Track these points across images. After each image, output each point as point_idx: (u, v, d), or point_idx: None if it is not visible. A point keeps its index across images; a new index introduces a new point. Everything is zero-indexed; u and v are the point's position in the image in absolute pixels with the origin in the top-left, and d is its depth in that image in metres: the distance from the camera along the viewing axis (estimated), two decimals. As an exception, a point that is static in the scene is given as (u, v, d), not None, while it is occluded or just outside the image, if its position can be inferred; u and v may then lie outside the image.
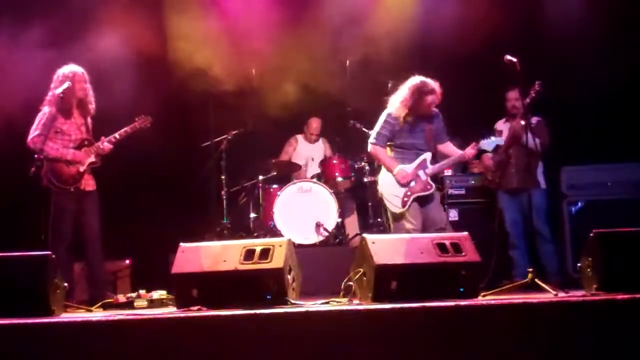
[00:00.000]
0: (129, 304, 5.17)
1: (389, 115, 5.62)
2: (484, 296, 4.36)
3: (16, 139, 5.78)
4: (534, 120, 6.19)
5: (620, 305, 3.36)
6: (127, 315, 3.91)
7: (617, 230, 4.10)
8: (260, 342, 3.31)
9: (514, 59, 5.03)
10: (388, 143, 5.67)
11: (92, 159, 5.77)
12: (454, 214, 6.93)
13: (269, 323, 3.36)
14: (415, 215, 5.49)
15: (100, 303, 5.15)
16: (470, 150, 5.58)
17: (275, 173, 7.47)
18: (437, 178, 5.61)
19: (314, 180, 7.18)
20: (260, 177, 7.36)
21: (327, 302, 4.23)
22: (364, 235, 4.30)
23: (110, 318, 3.53)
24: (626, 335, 3.27)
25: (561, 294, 4.32)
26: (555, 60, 6.90)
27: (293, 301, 4.07)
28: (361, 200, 7.56)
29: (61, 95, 5.44)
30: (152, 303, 5.19)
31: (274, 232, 6.87)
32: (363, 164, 7.32)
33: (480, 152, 6.00)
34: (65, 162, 5.63)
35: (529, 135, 5.69)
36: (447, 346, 3.28)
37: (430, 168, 5.55)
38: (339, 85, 7.44)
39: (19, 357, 3.37)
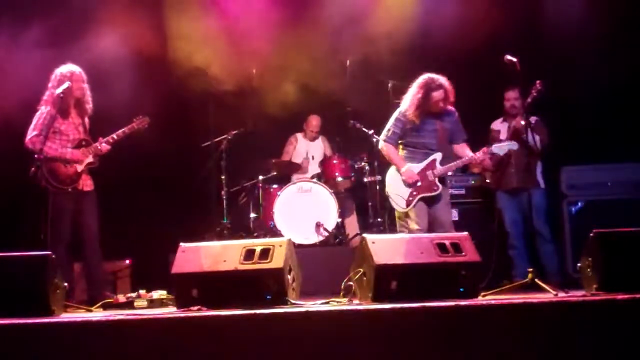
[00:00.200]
0: (129, 304, 5.17)
1: (399, 112, 5.62)
2: (484, 296, 4.36)
3: (15, 138, 5.78)
4: (533, 119, 6.19)
5: (620, 305, 3.36)
6: (127, 315, 3.90)
7: (617, 230, 4.10)
8: (260, 342, 3.31)
9: (514, 59, 5.03)
10: (399, 141, 5.67)
11: (89, 159, 5.77)
12: (454, 214, 6.91)
13: (269, 323, 3.35)
14: (420, 215, 5.48)
15: (100, 303, 5.15)
16: (479, 155, 5.56)
17: (275, 173, 7.47)
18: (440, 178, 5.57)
19: (314, 180, 7.18)
20: (260, 177, 7.36)
21: (327, 302, 4.23)
22: (364, 235, 4.30)
23: (110, 318, 3.53)
24: (626, 335, 3.27)
25: (561, 294, 4.32)
26: (555, 60, 6.90)
27: (293, 301, 4.06)
28: (361, 200, 7.56)
29: (61, 95, 5.44)
30: (152, 303, 5.19)
31: (274, 232, 6.87)
32: (363, 164, 7.32)
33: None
34: (63, 162, 5.63)
35: (530, 134, 5.71)
36: (447, 346, 3.28)
37: (438, 169, 5.53)
38: (339, 85, 7.44)
39: (19, 357, 3.37)
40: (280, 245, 4.13)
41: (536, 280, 4.61)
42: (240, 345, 3.32)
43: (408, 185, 5.52)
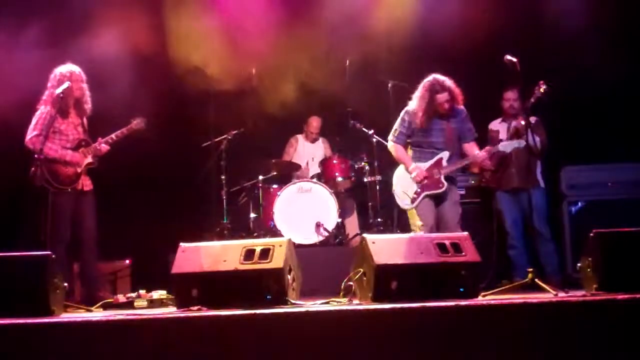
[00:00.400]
0: (129, 304, 5.17)
1: (406, 112, 5.66)
2: (484, 296, 4.36)
3: (15, 139, 5.78)
4: (532, 120, 6.18)
5: (620, 305, 3.36)
6: (127, 315, 3.90)
7: (617, 230, 4.10)
8: (260, 342, 3.31)
9: (514, 59, 5.03)
10: (408, 141, 5.67)
11: (89, 159, 5.78)
12: (454, 214, 6.92)
13: (269, 323, 3.35)
14: (426, 213, 5.51)
15: (100, 303, 5.15)
16: (481, 153, 5.59)
17: (275, 173, 7.47)
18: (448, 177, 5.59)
19: (314, 180, 7.18)
20: (260, 177, 7.35)
21: (327, 302, 4.23)
22: (364, 235, 4.31)
23: (110, 318, 3.52)
24: (626, 335, 3.27)
25: (561, 294, 4.31)
26: (555, 60, 6.90)
27: (293, 301, 4.07)
28: (361, 200, 7.56)
29: (61, 95, 5.44)
30: (152, 303, 5.19)
31: (274, 232, 6.87)
32: (363, 164, 7.32)
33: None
34: (63, 163, 5.63)
35: (530, 134, 5.71)
36: (447, 346, 3.28)
37: (444, 167, 5.55)
38: (339, 85, 7.44)
39: (19, 357, 3.36)
40: (280, 245, 4.13)
41: (536, 280, 4.61)
42: (240, 345, 3.32)
43: (416, 183, 5.53)
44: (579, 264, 4.25)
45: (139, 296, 5.24)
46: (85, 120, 5.86)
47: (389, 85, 7.19)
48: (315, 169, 7.60)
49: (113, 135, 5.88)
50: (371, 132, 7.19)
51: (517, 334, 3.29)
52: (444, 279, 4.11)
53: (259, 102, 7.45)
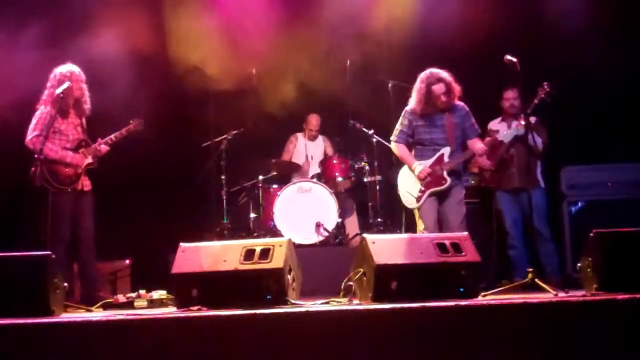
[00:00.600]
0: (129, 304, 5.17)
1: (405, 111, 5.69)
2: (484, 296, 4.36)
3: (15, 139, 5.78)
4: (532, 120, 6.19)
5: (620, 305, 3.36)
6: (127, 315, 3.90)
7: (617, 230, 4.10)
8: (260, 342, 3.31)
9: (514, 59, 5.04)
10: (410, 141, 5.68)
11: (89, 160, 5.78)
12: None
13: (269, 323, 3.35)
14: (427, 213, 5.53)
15: (100, 303, 5.15)
16: (481, 146, 5.60)
17: (275, 173, 7.47)
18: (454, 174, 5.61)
19: (314, 180, 7.18)
20: (260, 177, 7.35)
21: (327, 302, 4.23)
22: (364, 235, 4.30)
23: (110, 318, 3.52)
24: (626, 335, 3.27)
25: (561, 294, 4.31)
26: (555, 60, 6.90)
27: (293, 301, 4.07)
28: (361, 200, 7.56)
29: (61, 95, 5.44)
30: (152, 303, 5.19)
31: (274, 232, 6.87)
32: (363, 164, 7.32)
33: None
34: (63, 164, 5.63)
35: (532, 134, 5.73)
36: (447, 346, 3.28)
37: (446, 163, 5.56)
38: (339, 85, 7.44)
39: (19, 357, 3.36)
40: (280, 245, 4.13)
41: (536, 280, 4.61)
42: (240, 345, 3.32)
43: (419, 181, 5.53)
44: (579, 264, 4.25)
45: (139, 296, 5.24)
46: (84, 120, 5.86)
47: (389, 85, 7.19)
48: (315, 168, 7.60)
49: (112, 136, 5.89)
50: (371, 132, 7.19)
51: (517, 334, 3.30)
52: (444, 279, 4.11)
53: (259, 102, 7.44)
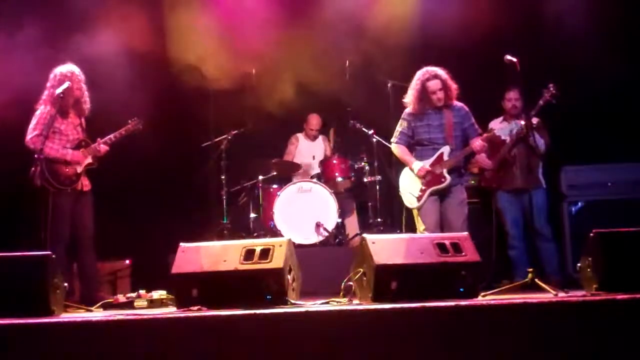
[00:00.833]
0: (129, 304, 5.16)
1: (405, 112, 5.69)
2: (484, 296, 4.36)
3: (14, 138, 5.77)
4: (535, 121, 6.18)
5: (620, 305, 3.36)
6: (127, 315, 3.90)
7: (617, 230, 4.10)
8: (260, 342, 3.31)
9: (514, 59, 5.04)
10: (411, 142, 5.69)
11: (89, 159, 5.79)
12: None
13: (269, 323, 3.36)
14: (427, 214, 5.53)
15: (100, 303, 5.15)
16: (477, 142, 5.59)
17: (275, 173, 7.47)
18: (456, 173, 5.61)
19: (314, 180, 7.18)
20: (260, 177, 7.35)
21: (327, 302, 4.23)
22: (364, 235, 4.30)
23: (110, 318, 3.53)
24: (626, 335, 3.27)
25: (561, 294, 4.32)
26: (555, 60, 6.90)
27: (293, 301, 4.07)
28: (361, 200, 7.56)
29: (61, 95, 5.44)
30: (152, 303, 5.18)
31: (274, 232, 6.87)
32: (363, 164, 7.32)
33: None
34: (64, 163, 5.63)
35: (535, 135, 5.73)
36: (447, 346, 3.28)
37: (445, 161, 5.56)
38: (339, 85, 7.44)
39: (19, 357, 3.37)
40: (280, 245, 4.13)
41: (536, 280, 4.61)
42: (240, 345, 3.32)
43: (420, 179, 5.54)
44: (579, 264, 4.25)
45: (139, 296, 5.24)
46: (83, 120, 5.87)
47: (389, 85, 7.19)
48: (315, 168, 7.60)
49: (112, 136, 5.89)
50: (371, 132, 7.19)
51: (517, 334, 3.30)
52: (444, 279, 4.11)
53: (259, 102, 7.45)
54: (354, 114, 7.45)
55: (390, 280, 4.02)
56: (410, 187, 5.65)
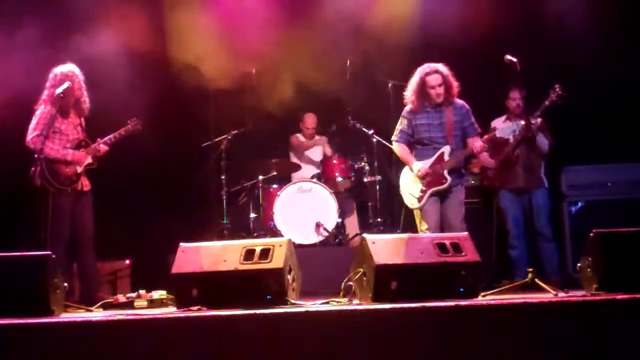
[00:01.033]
0: (129, 304, 5.16)
1: (405, 110, 5.67)
2: (484, 296, 4.36)
3: (14, 138, 5.78)
4: (539, 121, 6.18)
5: (620, 305, 3.36)
6: (127, 315, 3.90)
7: (617, 230, 4.10)
8: (260, 342, 3.31)
9: (514, 59, 5.04)
10: (411, 140, 5.68)
11: (89, 159, 5.79)
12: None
13: (269, 323, 3.36)
14: (428, 214, 5.52)
15: (100, 303, 5.15)
16: (477, 142, 5.59)
17: (275, 173, 7.47)
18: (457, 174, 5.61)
19: (314, 180, 7.18)
20: (260, 177, 7.35)
21: (327, 302, 4.23)
22: (364, 235, 4.30)
23: (110, 318, 3.53)
24: (626, 335, 3.27)
25: (561, 294, 4.32)
26: (555, 60, 6.90)
27: (293, 301, 4.07)
28: (361, 200, 7.56)
29: (61, 95, 5.44)
30: (152, 303, 5.19)
31: (274, 232, 6.87)
32: (363, 164, 7.32)
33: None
34: (64, 163, 5.64)
35: (540, 135, 5.73)
36: (447, 346, 3.28)
37: (446, 161, 5.55)
38: (339, 85, 7.44)
39: (19, 357, 3.37)
40: (280, 245, 4.13)
41: (536, 280, 4.61)
42: (240, 345, 3.32)
43: (420, 180, 5.53)
44: (579, 264, 4.25)
45: (139, 296, 5.24)
46: (83, 120, 5.87)
47: (389, 85, 7.19)
48: (315, 168, 7.60)
49: (111, 136, 5.91)
50: (371, 132, 7.19)
51: (517, 334, 3.30)
52: (444, 279, 4.11)
53: (259, 102, 7.44)
54: (354, 113, 7.45)
55: (390, 280, 4.02)
56: (410, 188, 5.63)
